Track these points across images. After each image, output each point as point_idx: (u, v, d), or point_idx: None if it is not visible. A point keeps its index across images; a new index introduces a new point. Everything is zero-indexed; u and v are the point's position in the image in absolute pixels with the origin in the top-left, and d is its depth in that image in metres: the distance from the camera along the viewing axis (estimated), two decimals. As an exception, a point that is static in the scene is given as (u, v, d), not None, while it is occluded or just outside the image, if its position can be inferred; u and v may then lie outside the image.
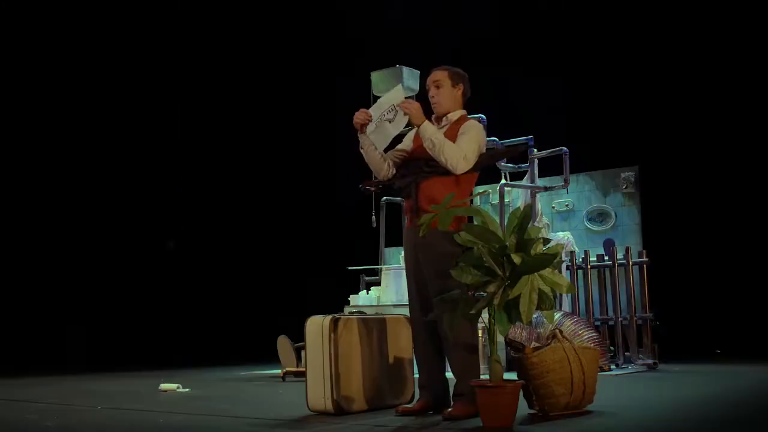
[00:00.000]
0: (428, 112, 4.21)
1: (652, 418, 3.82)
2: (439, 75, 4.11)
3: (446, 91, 4.08)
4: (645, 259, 7.51)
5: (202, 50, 11.07)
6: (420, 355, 4.12)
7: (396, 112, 4.15)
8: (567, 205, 8.69)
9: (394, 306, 7.00)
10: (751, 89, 8.85)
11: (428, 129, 3.94)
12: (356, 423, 3.79)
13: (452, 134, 4.00)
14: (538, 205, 8.18)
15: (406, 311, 4.48)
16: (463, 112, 4.15)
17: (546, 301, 3.53)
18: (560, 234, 8.02)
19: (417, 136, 4.15)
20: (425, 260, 4.02)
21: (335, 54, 11.05)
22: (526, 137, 8.03)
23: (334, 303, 7.05)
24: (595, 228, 8.48)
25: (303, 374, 4.31)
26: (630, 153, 8.77)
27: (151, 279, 10.66)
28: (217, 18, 11.12)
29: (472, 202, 3.93)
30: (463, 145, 3.91)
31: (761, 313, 8.42)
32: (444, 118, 4.11)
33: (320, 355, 4.12)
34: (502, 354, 6.97)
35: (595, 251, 7.99)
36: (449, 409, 3.82)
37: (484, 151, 4.06)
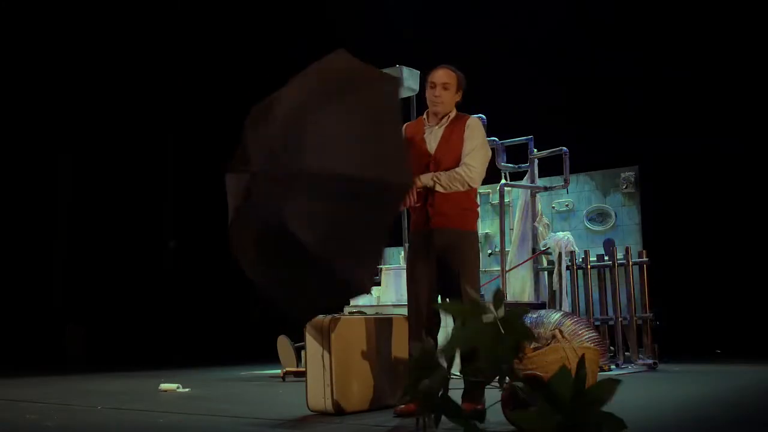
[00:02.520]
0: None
1: (652, 418, 3.82)
2: (449, 78, 4.22)
3: (451, 94, 4.23)
4: (645, 259, 7.51)
5: (201, 54, 11.07)
6: None
7: None
8: (567, 205, 8.69)
9: (394, 306, 7.00)
10: (750, 89, 8.85)
11: (425, 180, 4.09)
12: (356, 423, 3.79)
13: (457, 132, 4.18)
14: (538, 205, 8.19)
15: (405, 311, 4.48)
16: (455, 110, 4.31)
17: None
18: (560, 234, 8.01)
19: (412, 144, 4.25)
20: (448, 261, 4.11)
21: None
22: (526, 137, 8.04)
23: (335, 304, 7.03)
24: (595, 228, 8.48)
25: (303, 374, 4.31)
26: (630, 153, 8.77)
27: (151, 279, 10.66)
28: (216, 18, 11.12)
29: None
30: (470, 161, 4.10)
31: (761, 313, 8.42)
32: (444, 117, 4.24)
33: (320, 355, 4.12)
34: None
35: (595, 251, 7.99)
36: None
37: (489, 147, 4.29)
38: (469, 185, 4.10)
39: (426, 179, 4.10)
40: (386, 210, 3.52)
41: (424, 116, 4.33)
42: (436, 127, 4.22)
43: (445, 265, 4.11)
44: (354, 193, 3.29)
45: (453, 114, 4.24)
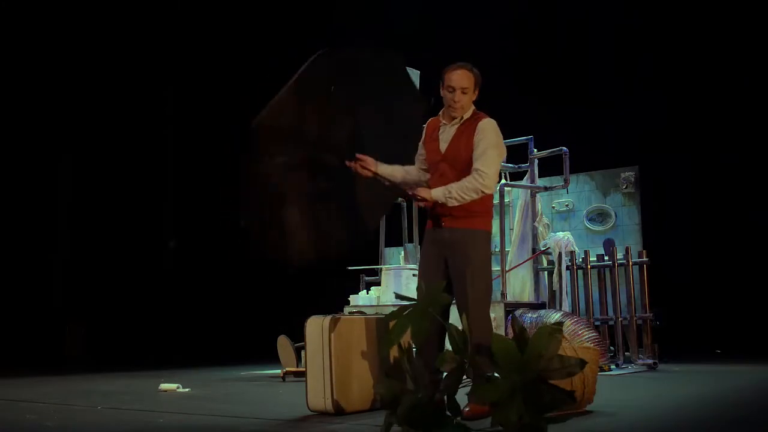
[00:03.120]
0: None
1: (652, 418, 3.82)
2: (468, 82, 4.10)
3: (469, 97, 4.13)
4: (645, 259, 7.51)
5: (200, 54, 11.06)
6: (426, 351, 4.10)
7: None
8: (567, 205, 8.69)
9: (394, 306, 6.99)
10: (750, 90, 8.86)
11: (438, 194, 4.00)
12: (356, 423, 3.79)
13: (468, 133, 4.09)
14: (538, 205, 8.19)
15: (406, 311, 4.47)
16: (473, 107, 4.21)
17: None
18: (560, 234, 8.02)
19: (428, 141, 4.25)
20: (455, 259, 4.07)
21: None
22: (526, 137, 8.04)
23: (334, 303, 7.04)
24: (595, 228, 8.48)
25: (303, 374, 4.31)
26: (630, 153, 8.77)
27: (151, 278, 10.66)
28: (215, 18, 11.12)
29: None
30: (481, 166, 3.97)
31: (761, 313, 8.42)
32: (459, 118, 4.17)
33: (320, 355, 4.11)
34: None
35: (595, 251, 7.99)
36: (466, 408, 3.80)
37: (503, 148, 4.15)
38: (483, 192, 3.97)
39: (438, 194, 3.98)
40: None
41: (441, 114, 4.24)
42: (449, 126, 4.16)
43: (453, 264, 4.09)
44: None
45: (468, 113, 4.15)
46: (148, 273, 10.69)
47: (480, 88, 4.20)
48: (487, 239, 4.14)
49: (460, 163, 4.06)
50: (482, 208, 4.12)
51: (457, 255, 4.07)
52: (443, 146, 4.15)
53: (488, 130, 4.07)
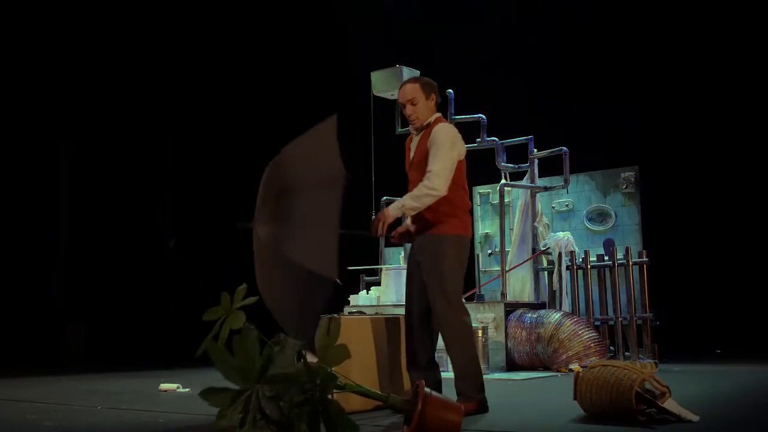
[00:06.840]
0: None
1: (652, 418, 3.81)
2: (413, 93, 4.16)
3: (421, 106, 4.16)
4: (645, 259, 7.52)
5: (200, 51, 11.06)
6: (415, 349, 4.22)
7: None
8: (567, 205, 8.69)
9: (394, 306, 7.00)
10: (750, 90, 8.86)
11: (394, 212, 4.02)
12: (356, 423, 3.78)
13: (426, 138, 4.13)
14: (538, 205, 8.19)
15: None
16: (437, 114, 4.24)
17: None
18: (560, 234, 8.02)
19: (406, 155, 4.32)
20: (424, 265, 4.12)
21: (337, 52, 11.05)
22: (526, 137, 8.04)
23: (334, 303, 7.04)
24: (595, 228, 8.48)
25: (303, 374, 4.30)
26: (630, 153, 8.78)
27: (151, 278, 10.66)
28: (215, 16, 11.12)
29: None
30: (430, 167, 3.98)
31: (761, 313, 8.42)
32: (419, 126, 4.21)
33: (320, 355, 4.11)
34: (502, 353, 6.97)
35: (595, 251, 8.00)
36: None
37: (461, 148, 4.12)
38: (432, 194, 3.94)
39: (394, 211, 4.02)
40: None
41: (411, 129, 4.30)
42: (416, 136, 4.24)
43: (423, 270, 4.12)
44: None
45: (432, 119, 4.18)
46: (148, 273, 10.68)
47: (436, 92, 4.22)
48: (458, 243, 4.09)
49: (423, 170, 4.04)
50: (451, 211, 4.07)
51: (425, 261, 4.10)
52: (411, 156, 4.23)
53: (440, 132, 4.07)
